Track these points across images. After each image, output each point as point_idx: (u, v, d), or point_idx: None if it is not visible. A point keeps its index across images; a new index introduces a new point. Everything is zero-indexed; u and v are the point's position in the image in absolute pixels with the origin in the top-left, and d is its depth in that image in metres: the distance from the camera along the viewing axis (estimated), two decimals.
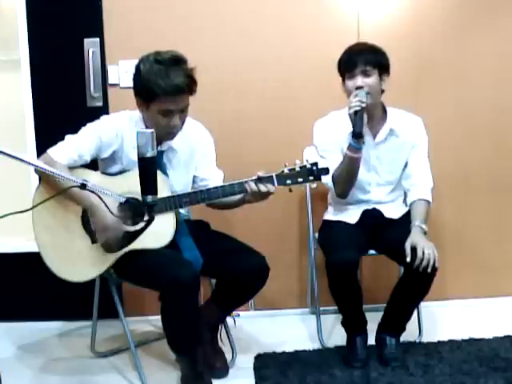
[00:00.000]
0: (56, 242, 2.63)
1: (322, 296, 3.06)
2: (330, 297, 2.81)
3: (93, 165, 2.73)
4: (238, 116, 3.36)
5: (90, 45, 3.24)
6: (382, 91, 2.84)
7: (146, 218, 2.42)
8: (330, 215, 3.05)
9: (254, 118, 3.37)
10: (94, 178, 2.61)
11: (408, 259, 2.63)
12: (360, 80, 2.74)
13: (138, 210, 2.49)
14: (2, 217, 1.92)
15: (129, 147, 2.63)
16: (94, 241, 2.60)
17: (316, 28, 3.34)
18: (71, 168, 2.60)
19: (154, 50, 2.58)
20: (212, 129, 2.86)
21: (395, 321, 2.87)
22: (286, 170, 2.53)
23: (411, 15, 3.37)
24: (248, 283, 2.66)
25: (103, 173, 2.70)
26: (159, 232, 2.58)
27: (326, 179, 2.76)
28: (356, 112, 2.70)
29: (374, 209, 2.96)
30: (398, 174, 2.96)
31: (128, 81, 3.23)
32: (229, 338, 2.97)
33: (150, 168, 1.98)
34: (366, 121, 2.76)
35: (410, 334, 2.96)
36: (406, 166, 2.95)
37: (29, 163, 1.97)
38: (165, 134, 2.62)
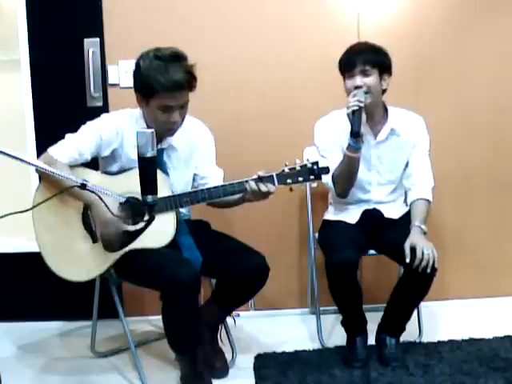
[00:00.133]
0: (56, 242, 2.63)
1: (322, 296, 3.06)
2: (329, 297, 2.81)
3: (93, 164, 2.73)
4: (238, 116, 3.36)
5: (90, 45, 3.24)
6: (384, 91, 2.84)
7: (146, 217, 2.42)
8: (330, 215, 3.05)
9: (254, 118, 3.37)
10: (94, 177, 2.62)
11: (407, 260, 2.63)
12: (359, 80, 2.75)
13: (139, 210, 2.49)
14: (2, 217, 1.92)
15: (129, 145, 2.63)
16: (94, 240, 2.60)
17: (316, 28, 3.34)
18: (72, 166, 2.61)
19: (153, 47, 2.59)
20: (212, 129, 2.86)
21: (395, 321, 2.87)
22: (286, 170, 2.53)
23: (411, 15, 3.37)
24: (248, 283, 2.66)
25: (104, 172, 2.70)
26: (160, 231, 2.58)
27: (326, 179, 2.77)
28: (354, 111, 2.70)
29: (375, 209, 2.96)
30: (399, 174, 2.96)
31: (128, 81, 3.23)
32: (229, 338, 2.97)
33: (149, 168, 1.98)
34: (365, 120, 2.76)
35: (410, 334, 2.96)
36: (407, 165, 2.95)
37: (29, 163, 1.97)
38: (165, 131, 2.63)
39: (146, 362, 2.83)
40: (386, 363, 2.79)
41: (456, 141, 3.47)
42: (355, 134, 2.70)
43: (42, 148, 2.71)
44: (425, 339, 3.04)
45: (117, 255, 2.58)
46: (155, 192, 2.00)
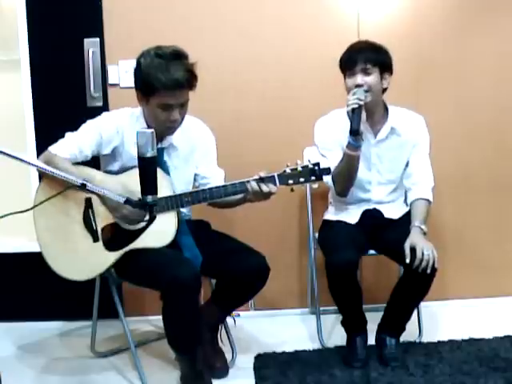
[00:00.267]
0: (57, 241, 2.63)
1: (322, 296, 3.06)
2: (330, 297, 2.81)
3: (94, 162, 2.73)
4: (238, 116, 3.36)
5: (90, 45, 3.24)
6: (384, 90, 2.84)
7: (146, 217, 2.42)
8: (331, 215, 3.05)
9: (254, 118, 3.37)
10: (98, 176, 2.61)
11: (407, 260, 2.63)
12: (360, 78, 2.75)
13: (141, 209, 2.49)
14: (2, 217, 1.92)
15: (129, 144, 2.63)
16: (95, 239, 2.60)
17: (316, 28, 3.34)
18: (74, 164, 2.61)
19: (155, 45, 2.59)
20: (212, 129, 2.86)
21: (395, 321, 2.87)
22: (287, 170, 2.53)
23: (411, 15, 3.37)
24: (248, 283, 2.66)
25: (106, 171, 2.70)
26: (161, 231, 2.59)
27: (326, 178, 2.76)
28: (353, 110, 2.70)
29: (375, 209, 2.96)
30: (400, 173, 2.96)
31: (128, 81, 3.24)
32: (229, 338, 2.97)
33: (149, 168, 1.98)
34: (365, 119, 2.76)
35: (410, 334, 2.96)
36: (407, 164, 2.95)
37: (29, 163, 1.97)
38: (165, 129, 2.63)
39: (145, 362, 2.83)
40: (385, 363, 2.79)
41: (456, 141, 3.47)
42: (354, 132, 2.70)
43: (41, 148, 2.71)
44: (425, 339, 3.04)
45: (117, 255, 2.58)
46: (155, 192, 2.00)
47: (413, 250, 2.63)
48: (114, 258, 2.59)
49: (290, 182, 2.53)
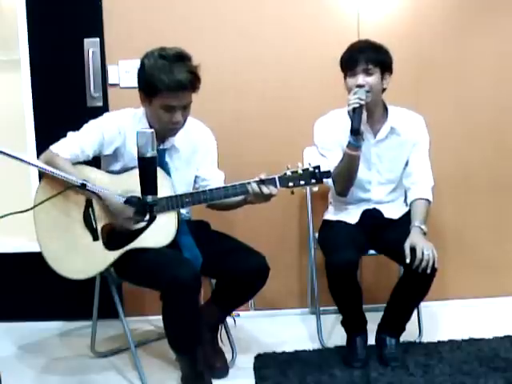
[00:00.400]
0: (57, 239, 2.63)
1: (322, 296, 3.06)
2: (330, 297, 2.81)
3: (95, 163, 2.73)
4: (238, 116, 3.36)
5: (90, 45, 3.24)
6: (383, 89, 2.84)
7: (146, 217, 2.42)
8: (330, 215, 3.05)
9: (254, 118, 3.38)
10: (98, 176, 2.62)
11: (407, 260, 2.63)
12: (361, 78, 2.74)
13: (140, 209, 2.49)
14: (2, 217, 1.92)
15: (131, 144, 2.63)
16: (95, 238, 2.60)
17: (316, 28, 3.34)
18: (74, 164, 2.61)
19: (159, 46, 2.59)
20: (212, 129, 2.86)
21: (395, 321, 2.87)
22: (288, 173, 2.54)
23: (411, 15, 3.37)
24: (248, 283, 2.66)
25: (107, 171, 2.70)
26: (161, 231, 2.59)
27: (327, 180, 2.76)
28: (354, 109, 2.70)
29: (374, 209, 2.96)
30: (399, 173, 2.96)
31: (128, 81, 3.26)
32: (229, 338, 2.97)
33: (149, 168, 1.98)
34: (365, 118, 2.75)
35: (410, 334, 2.96)
36: (406, 164, 2.95)
37: (29, 163, 1.97)
38: (167, 130, 2.63)
39: (145, 362, 2.83)
40: (385, 363, 2.79)
41: (456, 141, 3.47)
42: (355, 132, 2.70)
43: (41, 148, 2.71)
44: (425, 339, 3.04)
45: (117, 254, 2.58)
46: (155, 192, 2.00)
47: (413, 249, 2.63)
48: (113, 257, 2.59)
49: (291, 184, 2.54)
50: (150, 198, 1.99)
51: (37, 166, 2.06)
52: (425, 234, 2.76)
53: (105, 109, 3.23)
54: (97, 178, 2.59)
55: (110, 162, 2.71)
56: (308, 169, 2.54)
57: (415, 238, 2.69)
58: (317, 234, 3.09)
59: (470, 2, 3.38)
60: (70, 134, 2.66)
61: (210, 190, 2.59)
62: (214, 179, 2.79)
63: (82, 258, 2.61)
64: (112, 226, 2.60)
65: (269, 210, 3.15)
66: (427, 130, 2.96)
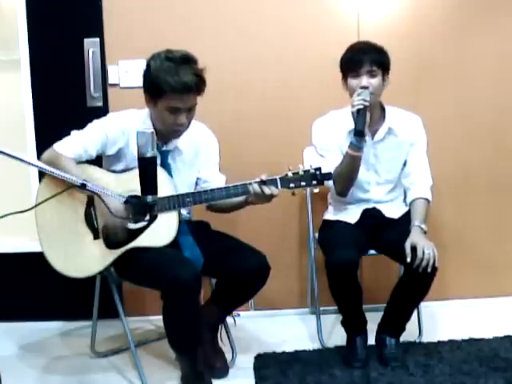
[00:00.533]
0: (58, 238, 2.63)
1: (322, 296, 3.06)
2: (330, 297, 2.81)
3: (97, 163, 2.73)
4: (238, 116, 3.37)
5: (90, 45, 3.24)
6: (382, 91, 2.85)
7: (146, 217, 2.42)
8: (330, 215, 3.05)
9: (254, 118, 3.38)
10: (100, 175, 2.62)
11: (408, 259, 2.63)
12: (365, 80, 2.74)
13: (140, 209, 2.49)
14: (2, 217, 1.92)
15: (134, 145, 2.62)
16: (96, 237, 2.60)
17: (316, 28, 3.34)
18: (78, 163, 2.61)
19: (160, 49, 2.59)
20: (212, 129, 2.87)
21: (395, 321, 2.87)
22: (289, 174, 2.55)
23: (411, 15, 3.37)
24: (249, 282, 2.66)
25: (109, 170, 2.70)
26: (162, 230, 2.59)
27: (327, 182, 2.77)
28: (359, 110, 2.70)
29: (374, 208, 2.96)
30: (397, 173, 2.96)
31: (128, 81, 3.26)
32: (229, 338, 2.97)
33: (149, 168, 1.99)
34: (369, 120, 2.75)
35: (410, 334, 2.96)
36: (404, 164, 2.95)
37: (29, 163, 1.97)
38: (171, 132, 2.64)
39: (146, 362, 2.83)
40: (385, 363, 2.79)
41: (456, 141, 3.47)
42: (359, 133, 2.70)
43: (41, 148, 2.70)
44: (425, 339, 3.04)
45: (118, 253, 2.58)
46: (155, 192, 2.00)
47: (413, 249, 2.64)
48: (114, 256, 2.59)
49: (292, 185, 2.55)
50: (149, 198, 1.99)
51: (37, 166, 2.06)
52: (425, 233, 2.76)
53: (105, 109, 3.24)
54: (101, 178, 2.59)
55: (113, 162, 2.71)
56: (309, 170, 2.55)
57: (416, 238, 2.69)
58: (317, 234, 3.10)
59: (470, 2, 3.38)
60: (73, 132, 2.66)
61: (212, 189, 2.59)
62: (215, 181, 2.79)
63: (82, 256, 2.61)
64: (113, 225, 2.60)
65: (269, 210, 3.15)
66: (427, 129, 2.96)
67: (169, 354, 2.81)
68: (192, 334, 2.61)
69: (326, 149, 2.90)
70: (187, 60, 2.55)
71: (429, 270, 2.62)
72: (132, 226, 2.58)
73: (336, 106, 2.93)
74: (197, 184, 2.84)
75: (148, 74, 2.58)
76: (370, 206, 2.97)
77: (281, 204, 3.24)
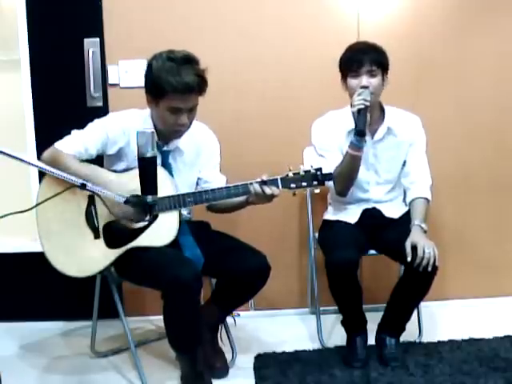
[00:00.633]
0: (58, 237, 2.63)
1: (322, 296, 3.06)
2: (330, 297, 2.81)
3: (99, 161, 2.73)
4: (238, 116, 3.37)
5: (90, 45, 3.24)
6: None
7: (147, 218, 2.42)
8: (330, 215, 3.05)
9: (254, 117, 3.38)
10: (101, 173, 2.62)
11: (408, 258, 2.63)
12: (365, 80, 2.74)
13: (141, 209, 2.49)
14: (2, 217, 1.92)
15: (135, 145, 2.63)
16: (96, 236, 2.60)
17: (316, 28, 3.34)
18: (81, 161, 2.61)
19: (160, 49, 2.59)
20: (212, 129, 2.87)
21: (395, 321, 2.87)
22: (290, 174, 2.56)
23: (411, 15, 3.37)
24: (249, 282, 2.66)
25: (110, 170, 2.70)
26: (162, 230, 2.59)
27: (328, 183, 2.77)
28: (359, 110, 2.70)
29: (374, 208, 2.96)
30: (397, 173, 2.97)
31: (128, 81, 3.26)
32: (229, 337, 2.98)
33: (149, 168, 1.99)
34: (369, 120, 2.76)
35: (410, 334, 2.96)
36: (404, 164, 2.95)
37: (29, 163, 1.97)
38: (172, 132, 2.64)
39: (146, 362, 2.83)
40: (385, 363, 2.80)
41: (456, 141, 3.47)
42: (360, 133, 2.71)
43: (41, 148, 2.70)
44: (425, 339, 3.04)
45: (118, 252, 2.58)
46: (155, 192, 2.00)
47: (414, 248, 2.64)
48: (114, 255, 2.59)
49: (293, 185, 2.56)
50: (149, 198, 1.99)
51: (37, 166, 2.06)
52: (425, 232, 2.76)
53: (105, 109, 3.24)
54: (103, 175, 2.59)
55: (114, 162, 2.71)
56: (310, 171, 2.56)
57: (416, 237, 2.69)
58: (317, 234, 3.10)
59: (470, 2, 3.38)
60: (74, 131, 2.66)
61: (213, 189, 2.60)
62: (216, 182, 2.79)
63: (82, 255, 2.61)
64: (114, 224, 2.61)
65: (269, 210, 3.15)
66: (427, 129, 2.96)
67: (169, 354, 2.81)
68: (192, 334, 2.61)
69: (325, 149, 2.90)
70: (189, 60, 2.55)
71: (429, 268, 2.62)
72: (133, 225, 2.58)
73: (336, 106, 2.93)
74: (197, 184, 2.84)
75: (150, 74, 2.58)
76: (369, 205, 2.97)
77: (281, 204, 3.24)
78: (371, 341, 2.89)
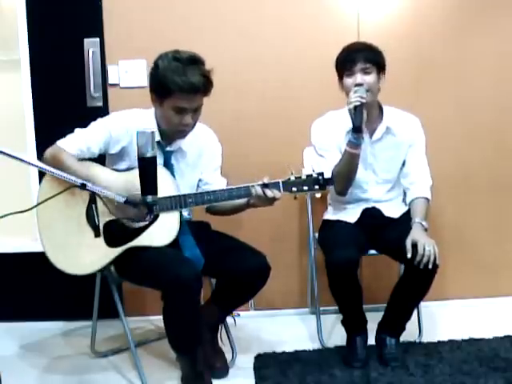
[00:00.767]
0: (58, 234, 2.63)
1: (322, 296, 3.06)
2: (330, 297, 2.81)
3: (100, 160, 2.73)
4: (238, 116, 3.37)
5: (90, 45, 3.24)
6: (378, 90, 2.85)
7: (147, 218, 2.42)
8: (330, 215, 3.06)
9: (254, 117, 3.38)
10: (102, 173, 2.62)
11: (409, 255, 2.63)
12: (360, 77, 2.75)
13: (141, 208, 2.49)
14: (2, 217, 1.92)
15: None
16: (96, 234, 2.60)
17: (316, 28, 3.34)
18: (81, 160, 2.61)
19: (160, 49, 2.60)
20: (212, 129, 2.87)
21: (395, 321, 2.87)
22: (292, 178, 2.56)
23: (411, 15, 3.37)
24: (249, 282, 2.66)
25: (112, 169, 2.70)
26: (163, 230, 2.59)
27: (329, 188, 2.78)
28: (356, 107, 2.71)
29: (374, 208, 2.96)
30: (396, 173, 2.97)
31: (128, 81, 3.26)
32: (229, 337, 2.98)
33: (149, 168, 1.99)
34: (366, 117, 2.76)
35: (410, 334, 2.96)
36: (403, 164, 2.96)
37: (29, 163, 1.97)
38: (176, 132, 2.64)
39: (146, 362, 2.83)
40: (385, 363, 2.79)
41: (456, 141, 3.47)
42: (357, 129, 2.72)
43: (41, 148, 2.70)
44: (425, 339, 3.04)
45: (118, 251, 2.58)
46: (155, 192, 2.00)
47: (414, 245, 2.64)
48: (114, 254, 2.59)
49: (294, 189, 2.57)
50: (149, 198, 1.99)
51: (37, 166, 2.06)
52: (426, 230, 2.76)
53: (105, 109, 3.24)
54: (103, 176, 2.59)
55: (116, 161, 2.71)
56: (312, 175, 2.57)
57: (417, 235, 2.70)
58: (317, 234, 3.10)
59: (470, 2, 3.38)
60: (77, 130, 2.66)
61: (214, 191, 2.60)
62: (217, 184, 2.79)
63: (82, 253, 2.60)
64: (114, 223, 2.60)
65: (269, 210, 3.14)
66: (427, 129, 2.96)
67: (169, 354, 2.81)
68: (192, 334, 2.61)
69: (325, 148, 2.91)
70: (195, 61, 2.56)
71: (430, 266, 2.61)
72: (133, 224, 2.58)
73: (336, 106, 2.93)
74: (198, 186, 2.84)
75: (155, 74, 2.58)
76: (369, 205, 2.97)
77: (281, 204, 3.22)
78: (371, 341, 2.89)
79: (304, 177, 2.57)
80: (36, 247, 2.68)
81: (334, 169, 2.79)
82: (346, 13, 3.34)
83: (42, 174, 2.78)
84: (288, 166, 2.59)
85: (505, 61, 3.42)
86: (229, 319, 2.95)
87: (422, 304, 2.96)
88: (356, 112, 2.71)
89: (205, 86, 2.56)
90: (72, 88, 3.28)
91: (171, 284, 2.45)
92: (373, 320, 2.89)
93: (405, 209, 2.99)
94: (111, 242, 2.60)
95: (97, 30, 3.23)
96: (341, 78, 2.83)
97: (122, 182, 2.54)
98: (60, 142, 2.62)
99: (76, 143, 2.61)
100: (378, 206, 2.97)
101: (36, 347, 3.17)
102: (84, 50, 3.23)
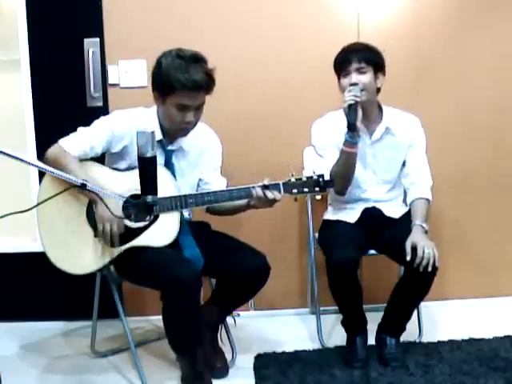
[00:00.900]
0: (59, 234, 2.63)
1: (322, 296, 3.06)
2: (330, 297, 2.81)
3: (100, 159, 2.73)
4: (238, 116, 3.36)
5: (90, 45, 3.24)
6: (378, 90, 2.85)
7: (147, 218, 2.42)
8: (330, 215, 3.06)
9: (254, 118, 3.37)
10: (102, 172, 2.62)
11: (408, 257, 2.63)
12: (354, 77, 2.77)
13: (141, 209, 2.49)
14: (2, 217, 1.92)
15: None
16: (96, 234, 2.61)
17: (316, 28, 3.34)
18: (82, 160, 2.61)
19: (160, 49, 2.60)
20: (212, 129, 2.87)
21: (395, 321, 2.87)
22: (292, 179, 2.57)
23: (411, 15, 3.37)
24: (249, 282, 2.67)
25: (112, 168, 2.70)
26: (163, 230, 2.59)
27: (330, 190, 2.78)
28: (350, 105, 2.72)
29: (374, 207, 2.97)
30: (396, 173, 2.97)
31: (128, 81, 3.26)
32: (229, 337, 2.98)
33: (149, 168, 1.98)
34: (361, 115, 2.76)
35: (410, 334, 2.96)
36: (403, 164, 2.96)
37: (29, 163, 1.97)
38: (178, 130, 2.65)
39: (146, 362, 2.83)
40: (385, 363, 2.80)
41: (456, 141, 3.47)
42: (351, 127, 2.73)
43: (41, 148, 2.71)
44: (425, 339, 3.04)
45: (118, 250, 2.58)
46: (155, 192, 2.00)
47: (414, 248, 2.64)
48: (114, 253, 2.58)
49: (294, 191, 2.57)
50: (149, 198, 1.99)
51: (37, 166, 2.06)
52: (426, 232, 2.76)
53: (105, 109, 3.23)
54: (103, 177, 2.59)
55: (116, 160, 2.71)
56: (312, 177, 2.58)
57: (416, 237, 2.70)
58: (317, 234, 3.10)
59: (470, 2, 3.38)
60: (80, 129, 2.66)
61: (215, 191, 2.60)
62: (216, 184, 2.79)
63: (82, 253, 2.61)
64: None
65: (269, 210, 3.14)
66: (427, 129, 2.96)
67: (169, 354, 2.80)
68: (192, 334, 2.61)
69: (324, 149, 2.91)
70: (198, 59, 2.57)
71: (429, 269, 2.62)
72: (133, 224, 2.58)
73: (336, 106, 2.94)
74: (198, 185, 2.84)
75: (158, 71, 2.59)
76: (369, 205, 2.97)
77: (281, 204, 3.23)
78: (371, 341, 2.89)
79: (304, 178, 2.57)
80: (36, 247, 2.68)
81: (331, 168, 2.79)
82: (346, 13, 3.34)
83: (42, 174, 2.78)
84: (288, 166, 2.60)
85: (505, 61, 3.42)
86: (229, 319, 2.95)
87: (422, 304, 2.96)
88: (350, 110, 2.73)
89: (207, 83, 2.57)
90: (72, 88, 3.28)
91: (171, 284, 2.45)
92: (373, 320, 2.89)
93: (405, 209, 2.99)
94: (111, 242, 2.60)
95: (97, 30, 3.23)
96: (339, 78, 2.85)
97: (123, 182, 2.54)
98: (63, 143, 2.62)
99: (79, 144, 2.61)
100: (378, 205, 2.97)
101: (36, 347, 3.18)
102: (84, 50, 3.23)
